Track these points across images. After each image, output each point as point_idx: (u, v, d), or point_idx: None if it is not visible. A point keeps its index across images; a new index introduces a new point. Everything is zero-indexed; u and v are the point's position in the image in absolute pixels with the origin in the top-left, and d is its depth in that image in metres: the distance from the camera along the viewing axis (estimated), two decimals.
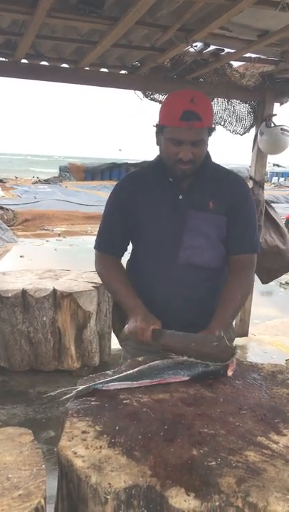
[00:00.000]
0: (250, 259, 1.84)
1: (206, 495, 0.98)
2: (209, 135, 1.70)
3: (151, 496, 1.01)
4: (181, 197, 1.76)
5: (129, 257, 1.94)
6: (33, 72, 3.54)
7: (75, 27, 2.86)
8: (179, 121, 1.60)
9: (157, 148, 1.79)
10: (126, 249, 1.90)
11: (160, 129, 1.70)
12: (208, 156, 1.79)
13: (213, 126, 1.71)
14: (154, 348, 1.64)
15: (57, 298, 3.49)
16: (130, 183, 1.88)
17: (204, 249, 1.77)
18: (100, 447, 1.13)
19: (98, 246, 1.92)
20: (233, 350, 1.55)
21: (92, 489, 1.02)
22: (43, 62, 3.52)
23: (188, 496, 0.98)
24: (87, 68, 3.59)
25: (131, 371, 1.47)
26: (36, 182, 24.65)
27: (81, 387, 1.39)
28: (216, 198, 1.76)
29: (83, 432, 1.19)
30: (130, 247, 1.94)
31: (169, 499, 0.98)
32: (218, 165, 1.87)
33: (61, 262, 7.47)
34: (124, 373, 1.47)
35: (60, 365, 3.59)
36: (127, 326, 1.72)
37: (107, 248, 1.90)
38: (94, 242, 1.93)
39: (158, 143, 1.76)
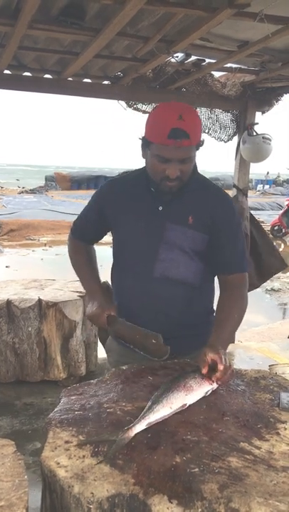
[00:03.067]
0: (243, 277, 1.77)
1: (189, 502, 0.99)
2: (197, 149, 1.64)
3: (134, 505, 1.01)
4: (160, 208, 1.72)
5: (111, 268, 1.92)
6: (16, 83, 3.54)
7: (57, 38, 2.88)
8: (166, 139, 1.53)
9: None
10: (96, 241, 1.99)
11: (146, 143, 1.64)
12: (194, 168, 1.73)
13: (201, 140, 1.64)
14: (134, 354, 1.69)
15: (42, 308, 3.47)
16: (110, 190, 1.85)
17: (180, 264, 1.72)
18: (83, 457, 1.13)
19: (72, 231, 2.01)
20: (166, 349, 1.59)
21: (75, 499, 1.02)
22: (26, 73, 3.53)
23: (171, 503, 0.98)
24: (70, 79, 3.61)
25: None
26: (22, 192, 24.58)
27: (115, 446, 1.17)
28: (197, 214, 1.70)
29: (66, 442, 1.19)
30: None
31: (152, 507, 0.98)
32: (204, 178, 1.81)
33: (47, 272, 7.45)
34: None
35: (46, 375, 3.56)
36: (86, 309, 1.81)
37: (79, 235, 1.98)
38: None
39: (144, 156, 1.70)
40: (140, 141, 1.67)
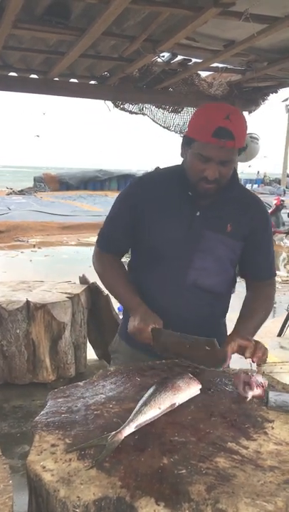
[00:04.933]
0: (272, 283, 1.82)
1: (176, 504, 0.98)
2: (239, 154, 1.60)
3: (121, 508, 1.00)
4: (198, 214, 1.65)
5: (128, 265, 1.84)
6: (1, 84, 3.52)
7: (43, 38, 2.86)
8: (210, 137, 1.48)
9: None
10: (127, 251, 1.84)
11: (188, 141, 1.59)
12: (235, 175, 1.68)
13: (245, 145, 1.64)
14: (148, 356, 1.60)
15: (30, 310, 3.44)
16: (144, 189, 1.73)
17: (213, 273, 1.69)
18: (70, 460, 1.12)
19: (100, 244, 1.84)
20: (223, 355, 1.46)
21: (61, 503, 1.00)
22: (12, 73, 3.51)
23: (158, 505, 0.97)
24: (57, 79, 3.60)
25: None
26: (10, 193, 24.43)
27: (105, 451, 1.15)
28: (235, 222, 1.67)
29: (52, 446, 1.17)
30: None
31: (138, 510, 0.97)
32: (243, 186, 1.80)
33: (36, 273, 7.40)
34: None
35: (35, 377, 3.53)
36: (128, 325, 1.66)
37: (108, 247, 1.81)
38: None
39: (183, 155, 1.65)
40: (181, 140, 1.63)
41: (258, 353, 1.51)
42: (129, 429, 1.21)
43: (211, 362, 1.45)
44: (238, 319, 1.72)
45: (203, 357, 1.47)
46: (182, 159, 1.68)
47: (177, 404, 1.35)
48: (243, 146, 1.58)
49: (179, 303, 1.69)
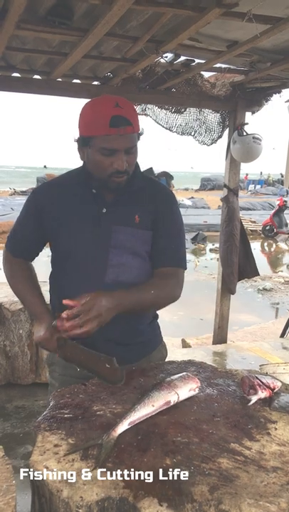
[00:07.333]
0: (174, 272, 1.67)
1: (179, 504, 0.98)
2: (138, 139, 1.56)
3: (124, 508, 1.00)
4: (104, 210, 1.62)
5: (50, 276, 1.81)
6: (4, 84, 3.52)
7: (46, 38, 2.86)
8: (108, 129, 1.45)
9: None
10: (37, 255, 1.81)
11: (85, 141, 1.54)
12: (136, 165, 1.63)
13: (140, 131, 1.56)
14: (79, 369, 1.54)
15: None
16: (47, 194, 1.70)
17: (132, 267, 1.63)
18: (73, 460, 1.12)
19: (9, 248, 1.81)
20: (121, 374, 1.46)
21: (64, 503, 1.00)
22: (15, 74, 3.51)
23: (161, 506, 0.97)
24: (60, 79, 3.60)
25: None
26: (13, 194, 24.50)
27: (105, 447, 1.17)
28: (142, 212, 1.63)
29: (55, 446, 1.18)
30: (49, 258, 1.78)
31: (141, 510, 0.97)
32: (144, 175, 1.74)
33: (39, 274, 7.40)
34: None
35: (38, 378, 3.54)
36: (34, 334, 1.66)
37: (17, 250, 1.78)
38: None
39: (83, 157, 1.60)
40: (76, 145, 1.59)
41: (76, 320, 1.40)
42: (122, 427, 1.22)
43: (110, 379, 1.46)
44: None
45: (104, 373, 1.48)
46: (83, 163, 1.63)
47: (173, 402, 1.35)
48: (140, 130, 1.55)
49: None
